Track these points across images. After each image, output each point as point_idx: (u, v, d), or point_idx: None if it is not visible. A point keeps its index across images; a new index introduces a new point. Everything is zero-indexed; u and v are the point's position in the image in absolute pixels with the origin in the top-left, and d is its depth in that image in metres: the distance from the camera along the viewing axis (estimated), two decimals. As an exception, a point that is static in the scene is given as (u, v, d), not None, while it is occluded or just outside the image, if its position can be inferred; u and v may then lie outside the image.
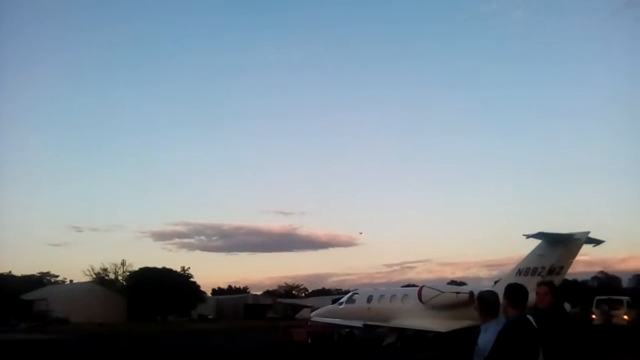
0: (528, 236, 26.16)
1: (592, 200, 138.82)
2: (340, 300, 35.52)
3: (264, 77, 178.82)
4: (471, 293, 26.18)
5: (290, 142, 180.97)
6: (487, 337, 6.24)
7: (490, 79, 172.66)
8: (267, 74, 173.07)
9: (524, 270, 27.23)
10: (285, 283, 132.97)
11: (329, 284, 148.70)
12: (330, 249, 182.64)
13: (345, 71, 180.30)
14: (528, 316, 9.67)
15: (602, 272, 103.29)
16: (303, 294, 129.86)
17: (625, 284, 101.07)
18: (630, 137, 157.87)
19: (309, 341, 34.97)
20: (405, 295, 31.53)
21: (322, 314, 35.37)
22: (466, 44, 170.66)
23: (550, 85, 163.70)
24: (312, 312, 40.40)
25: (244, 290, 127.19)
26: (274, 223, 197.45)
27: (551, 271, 26.48)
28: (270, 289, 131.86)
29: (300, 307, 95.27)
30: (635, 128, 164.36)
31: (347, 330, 34.45)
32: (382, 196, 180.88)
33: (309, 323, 37.99)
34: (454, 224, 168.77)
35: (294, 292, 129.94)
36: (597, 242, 27.73)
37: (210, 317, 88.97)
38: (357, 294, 34.92)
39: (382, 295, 32.91)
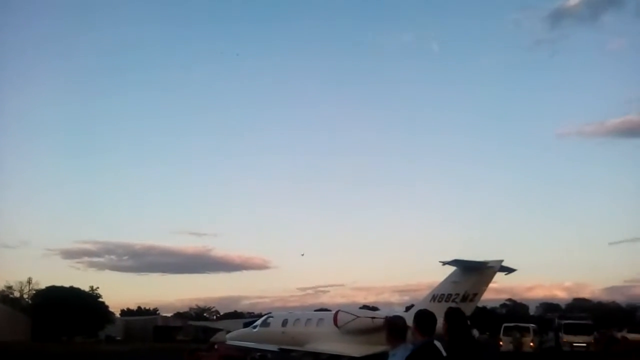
0: (444, 263, 26.59)
1: (502, 229, 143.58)
2: (255, 324, 34.93)
3: (174, 94, 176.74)
4: (386, 318, 26.21)
5: (206, 162, 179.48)
6: None
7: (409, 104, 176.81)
8: (174, 90, 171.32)
9: (438, 296, 27.59)
10: (197, 305, 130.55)
11: (241, 307, 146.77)
12: (244, 271, 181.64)
13: (256, 85, 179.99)
14: (435, 342, 9.83)
15: (510, 299, 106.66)
16: (215, 317, 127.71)
17: (532, 311, 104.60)
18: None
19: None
20: (320, 320, 31.29)
21: (235, 337, 34.66)
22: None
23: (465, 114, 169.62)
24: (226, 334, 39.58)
25: (154, 311, 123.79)
26: (186, 244, 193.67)
27: (465, 298, 26.93)
28: (181, 310, 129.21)
29: (211, 330, 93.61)
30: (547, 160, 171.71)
31: (259, 354, 34.04)
32: (297, 220, 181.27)
33: (215, 347, 37.36)
34: (367, 249, 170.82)
35: (205, 314, 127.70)
36: (509, 270, 28.44)
37: (118, 338, 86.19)
38: (271, 317, 34.42)
39: (297, 319, 32.56)
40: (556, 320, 55.64)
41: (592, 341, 46.94)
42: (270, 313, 35.85)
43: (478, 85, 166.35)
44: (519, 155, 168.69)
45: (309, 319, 32.02)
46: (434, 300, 27.26)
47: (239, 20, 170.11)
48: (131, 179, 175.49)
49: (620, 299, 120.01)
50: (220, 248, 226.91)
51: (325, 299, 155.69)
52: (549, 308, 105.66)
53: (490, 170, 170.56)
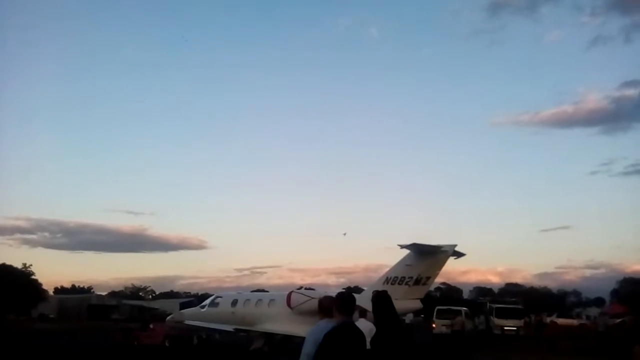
0: (402, 246, 26.88)
1: (438, 214, 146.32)
2: (203, 304, 34.59)
3: (116, 71, 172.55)
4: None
5: (145, 140, 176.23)
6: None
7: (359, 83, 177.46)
8: (116, 67, 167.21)
9: (391, 279, 27.90)
10: (132, 284, 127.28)
11: (177, 286, 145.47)
12: (181, 251, 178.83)
13: (196, 70, 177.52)
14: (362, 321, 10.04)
15: (444, 283, 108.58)
16: (150, 296, 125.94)
17: (465, 295, 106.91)
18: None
19: (167, 344, 33.86)
20: (272, 300, 31.24)
21: (183, 316, 34.21)
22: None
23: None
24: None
25: (89, 290, 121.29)
26: (123, 222, 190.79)
27: (418, 281, 27.35)
28: (116, 289, 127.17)
29: (146, 309, 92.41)
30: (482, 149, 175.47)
31: (205, 333, 33.77)
32: (234, 200, 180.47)
33: (151, 326, 36.75)
34: (304, 231, 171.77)
35: (140, 294, 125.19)
36: (459, 254, 28.90)
37: (51, 316, 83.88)
38: (220, 297, 34.18)
39: (247, 300, 32.45)
40: (488, 304, 56.77)
41: (522, 325, 48.21)
42: (219, 293, 35.50)
43: (416, 73, 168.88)
44: (455, 143, 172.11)
45: (259, 300, 31.93)
46: (387, 283, 27.55)
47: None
48: (67, 155, 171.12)
49: (551, 284, 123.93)
50: (157, 227, 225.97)
51: (262, 280, 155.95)
52: (482, 292, 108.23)
53: (426, 157, 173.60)
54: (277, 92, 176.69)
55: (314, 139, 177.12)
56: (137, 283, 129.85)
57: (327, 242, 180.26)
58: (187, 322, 31.52)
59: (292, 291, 29.12)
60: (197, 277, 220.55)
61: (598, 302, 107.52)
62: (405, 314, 30.86)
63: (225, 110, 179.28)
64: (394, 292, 26.59)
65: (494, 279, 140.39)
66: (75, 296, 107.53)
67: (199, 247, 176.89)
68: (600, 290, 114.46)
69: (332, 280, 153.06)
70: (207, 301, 34.67)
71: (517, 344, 38.27)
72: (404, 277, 27.50)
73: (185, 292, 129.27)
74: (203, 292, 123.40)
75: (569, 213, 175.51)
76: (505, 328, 46.39)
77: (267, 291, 56.31)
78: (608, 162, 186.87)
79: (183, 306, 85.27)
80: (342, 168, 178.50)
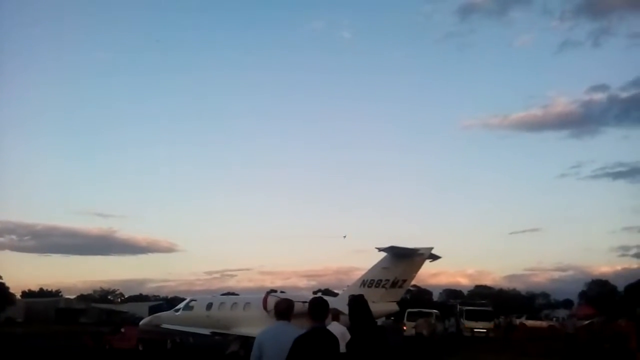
0: (379, 249, 26.97)
1: (408, 216, 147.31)
2: (177, 307, 34.17)
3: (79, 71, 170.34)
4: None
5: (114, 143, 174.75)
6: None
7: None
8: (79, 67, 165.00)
9: (368, 281, 27.92)
10: (101, 287, 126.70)
11: (146, 289, 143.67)
12: (150, 254, 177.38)
13: (166, 69, 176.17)
14: (335, 325, 10.08)
15: (414, 285, 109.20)
16: (119, 299, 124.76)
17: (435, 297, 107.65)
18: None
19: (140, 348, 33.48)
20: (247, 304, 31.02)
21: (156, 320, 33.77)
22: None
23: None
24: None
25: (56, 293, 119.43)
26: (91, 225, 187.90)
27: (394, 284, 27.43)
28: (85, 293, 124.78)
29: (115, 313, 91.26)
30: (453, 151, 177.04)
31: (179, 337, 33.48)
32: (204, 203, 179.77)
33: (122, 330, 36.28)
34: (274, 234, 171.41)
35: (109, 297, 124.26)
36: (435, 257, 29.03)
37: (19, 320, 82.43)
38: (194, 300, 33.79)
39: (222, 303, 32.16)
40: (458, 307, 57.16)
41: (492, 327, 48.72)
42: (193, 297, 35.12)
43: (387, 76, 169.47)
44: (425, 146, 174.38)
45: (234, 303, 31.68)
46: (364, 286, 27.58)
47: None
48: (34, 157, 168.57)
49: (520, 286, 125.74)
50: (126, 230, 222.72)
51: (232, 283, 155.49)
52: (452, 294, 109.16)
53: (396, 159, 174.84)
54: (248, 95, 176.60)
55: (285, 141, 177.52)
56: (106, 286, 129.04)
57: (297, 245, 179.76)
58: (164, 326, 31.10)
59: (268, 294, 28.97)
60: (167, 280, 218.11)
61: (566, 304, 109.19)
62: (382, 316, 30.91)
63: (195, 113, 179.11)
64: (371, 294, 26.64)
65: (464, 281, 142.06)
66: (43, 300, 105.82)
67: (168, 250, 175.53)
68: (569, 292, 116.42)
69: (303, 283, 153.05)
70: (182, 305, 34.29)
71: (487, 346, 38.50)
72: (380, 280, 27.55)
73: (154, 295, 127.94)
74: (173, 295, 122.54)
75: (538, 216, 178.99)
76: (475, 330, 46.88)
77: (237, 294, 55.89)
78: (576, 166, 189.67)
79: (152, 309, 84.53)
80: (313, 171, 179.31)
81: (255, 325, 28.85)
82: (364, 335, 7.23)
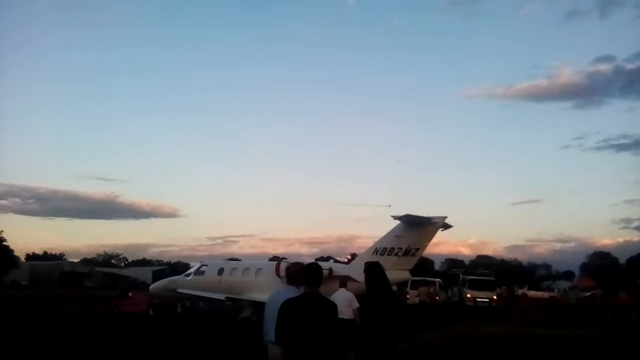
0: (395, 217, 27.04)
1: (410, 185, 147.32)
2: (188, 272, 34.41)
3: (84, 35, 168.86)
4: (330, 270, 26.38)
5: (117, 107, 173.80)
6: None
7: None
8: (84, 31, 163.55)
9: (380, 249, 28.09)
10: (104, 252, 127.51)
11: (149, 254, 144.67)
12: (153, 219, 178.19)
13: (169, 38, 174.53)
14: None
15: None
16: (122, 264, 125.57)
17: (437, 266, 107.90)
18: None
19: (151, 312, 33.64)
20: (259, 269, 31.23)
21: (167, 285, 33.95)
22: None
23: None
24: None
25: (60, 257, 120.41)
26: (94, 189, 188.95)
27: (407, 252, 27.60)
28: (88, 257, 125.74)
29: (119, 277, 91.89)
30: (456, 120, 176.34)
31: (189, 302, 33.64)
32: (207, 169, 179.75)
33: (130, 294, 36.36)
34: (277, 200, 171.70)
35: (113, 261, 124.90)
36: (447, 226, 29.12)
37: (23, 283, 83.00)
38: (206, 265, 34.02)
39: (234, 268, 32.38)
40: (461, 276, 57.37)
41: (494, 297, 48.93)
42: (204, 262, 35.28)
43: (391, 43, 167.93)
44: (428, 115, 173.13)
45: (246, 268, 31.89)
46: (376, 254, 27.76)
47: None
48: (37, 120, 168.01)
49: (521, 257, 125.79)
50: (129, 194, 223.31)
51: (234, 249, 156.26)
52: (454, 264, 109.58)
53: (399, 128, 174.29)
54: (253, 65, 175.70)
55: (287, 109, 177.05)
56: (109, 250, 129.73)
57: (300, 212, 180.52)
58: (179, 290, 31.23)
59: (282, 259, 29.15)
60: (170, 245, 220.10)
61: (568, 275, 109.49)
62: (394, 284, 31.07)
63: (198, 81, 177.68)
64: (383, 262, 26.46)
65: (465, 251, 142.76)
66: (47, 263, 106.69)
67: (171, 215, 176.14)
68: (570, 263, 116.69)
69: (305, 250, 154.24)
70: (192, 269, 34.51)
71: (490, 316, 38.68)
72: (393, 248, 27.73)
73: (157, 260, 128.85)
74: (176, 260, 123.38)
75: (540, 187, 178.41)
76: (478, 300, 47.11)
77: (240, 260, 56.27)
78: (580, 137, 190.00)
79: (156, 274, 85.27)
80: (316, 140, 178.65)
81: (268, 291, 29.04)
82: (379, 302, 7.15)
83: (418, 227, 27.66)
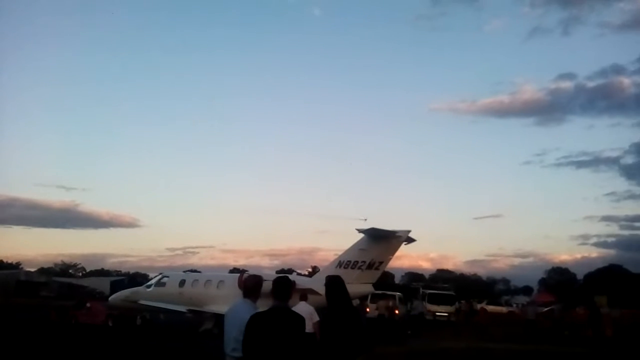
0: (360, 230, 27.12)
1: (372, 198, 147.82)
2: (148, 283, 33.96)
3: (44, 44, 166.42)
4: (293, 282, 26.21)
5: (78, 114, 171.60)
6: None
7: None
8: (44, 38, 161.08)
9: (344, 262, 28.10)
10: (62, 261, 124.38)
11: (108, 264, 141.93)
12: (112, 228, 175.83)
13: (130, 42, 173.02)
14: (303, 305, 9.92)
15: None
16: (80, 274, 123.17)
17: (398, 280, 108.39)
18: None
19: (110, 324, 33.05)
20: (221, 282, 30.95)
21: (127, 296, 33.42)
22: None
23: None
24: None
25: (17, 266, 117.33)
26: (53, 197, 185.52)
27: (371, 265, 27.63)
28: (45, 266, 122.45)
29: (76, 287, 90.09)
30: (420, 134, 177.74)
31: (149, 314, 33.18)
32: (168, 179, 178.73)
33: (88, 304, 35.64)
34: (238, 212, 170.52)
35: (70, 271, 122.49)
36: (411, 240, 29.25)
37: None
38: (167, 277, 33.61)
39: (195, 280, 32.05)
40: (421, 290, 57.64)
41: (454, 311, 49.26)
42: (165, 273, 34.86)
43: (357, 55, 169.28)
44: (392, 127, 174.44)
45: (208, 280, 31.57)
46: (340, 267, 27.74)
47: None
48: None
49: (480, 271, 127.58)
50: (89, 204, 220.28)
51: (194, 260, 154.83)
52: (414, 277, 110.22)
53: (363, 140, 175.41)
54: (216, 72, 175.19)
55: (250, 118, 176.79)
56: (67, 260, 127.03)
57: (261, 224, 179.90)
58: (140, 301, 30.73)
59: (244, 271, 28.97)
60: (129, 256, 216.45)
61: (526, 290, 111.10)
62: (357, 298, 31.08)
63: (160, 89, 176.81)
64: (347, 275, 26.70)
65: (426, 265, 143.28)
66: (3, 272, 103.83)
67: (131, 225, 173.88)
68: (529, 279, 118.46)
69: (265, 262, 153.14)
70: (153, 281, 34.11)
71: (448, 330, 38.85)
72: (357, 262, 27.77)
73: (116, 270, 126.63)
74: (134, 270, 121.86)
75: (501, 202, 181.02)
76: (437, 314, 47.20)
77: (200, 272, 55.76)
78: (541, 153, 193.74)
79: (114, 284, 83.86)
80: (279, 150, 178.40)
81: (230, 303, 28.78)
82: (338, 316, 7.17)
83: (382, 240, 27.75)
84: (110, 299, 36.14)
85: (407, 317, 45.68)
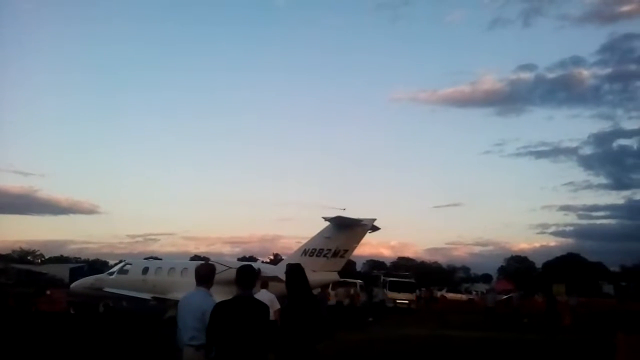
0: (326, 219, 27.26)
1: (333, 187, 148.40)
2: (111, 271, 33.68)
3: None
4: (259, 270, 26.22)
5: (36, 98, 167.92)
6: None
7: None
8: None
9: (309, 251, 28.25)
10: (20, 248, 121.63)
11: (67, 251, 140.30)
12: (71, 215, 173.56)
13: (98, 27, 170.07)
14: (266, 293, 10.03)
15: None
16: (39, 260, 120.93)
17: (359, 267, 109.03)
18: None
19: (72, 311, 32.67)
20: (185, 269, 30.77)
21: (89, 284, 33.05)
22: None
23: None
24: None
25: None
26: (10, 183, 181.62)
27: (336, 253, 27.83)
28: (3, 252, 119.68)
29: (35, 274, 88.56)
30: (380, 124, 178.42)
31: (111, 301, 32.90)
32: (128, 165, 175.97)
33: (48, 292, 35.19)
34: (200, 199, 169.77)
35: (29, 257, 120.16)
36: (376, 228, 29.51)
37: None
38: (129, 264, 33.32)
39: (159, 268, 31.83)
40: (382, 278, 58.17)
41: (414, 299, 49.93)
42: (128, 260, 34.53)
43: (320, 44, 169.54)
44: (354, 116, 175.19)
45: (172, 268, 31.40)
46: (305, 255, 27.89)
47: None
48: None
49: (441, 259, 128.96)
50: (47, 190, 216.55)
51: (155, 247, 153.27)
52: (375, 265, 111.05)
53: (324, 130, 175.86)
54: (181, 62, 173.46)
55: (215, 108, 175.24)
56: (25, 247, 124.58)
57: (222, 211, 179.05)
58: (103, 289, 30.39)
59: (209, 260, 28.85)
60: (88, 243, 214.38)
61: (485, 278, 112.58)
62: (322, 286, 31.20)
63: (120, 77, 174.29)
64: (312, 263, 26.99)
65: (387, 253, 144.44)
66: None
67: (90, 211, 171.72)
68: (488, 267, 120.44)
69: (227, 249, 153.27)
70: (116, 268, 33.80)
71: (409, 317, 39.28)
72: (322, 249, 27.93)
73: (75, 257, 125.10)
74: (94, 257, 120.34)
75: (461, 191, 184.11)
76: (398, 301, 47.68)
77: (161, 259, 55.41)
78: (500, 143, 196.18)
79: (73, 272, 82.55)
80: (243, 139, 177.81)
81: (193, 290, 28.77)
82: (298, 305, 7.21)
83: (347, 228, 27.95)
84: (72, 286, 35.65)
85: (369, 305, 46.11)
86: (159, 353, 16.87)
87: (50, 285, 45.79)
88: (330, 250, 27.81)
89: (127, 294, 30.23)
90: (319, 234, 28.54)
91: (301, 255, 28.03)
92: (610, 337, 15.37)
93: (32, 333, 22.13)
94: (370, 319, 29.26)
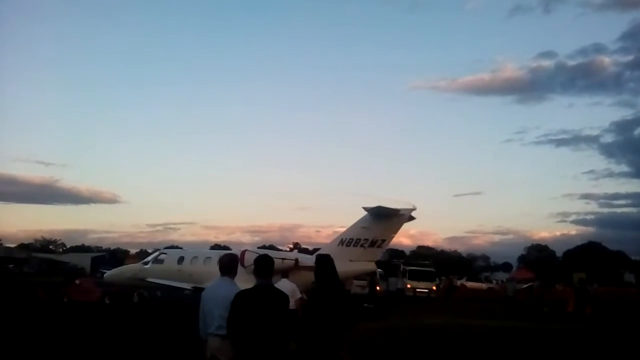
0: (366, 209, 27.25)
1: (353, 177, 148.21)
2: (146, 260, 33.81)
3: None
4: (297, 260, 26.39)
5: (59, 88, 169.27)
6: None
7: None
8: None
9: (346, 240, 28.23)
10: (42, 237, 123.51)
11: (88, 240, 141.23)
12: (92, 204, 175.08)
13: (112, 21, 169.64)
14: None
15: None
16: (61, 250, 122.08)
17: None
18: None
19: (107, 301, 32.87)
20: (220, 259, 30.89)
21: (123, 273, 33.37)
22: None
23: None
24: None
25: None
26: (32, 173, 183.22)
27: (373, 243, 27.80)
28: (25, 242, 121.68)
29: (57, 263, 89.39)
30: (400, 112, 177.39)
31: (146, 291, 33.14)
32: (149, 155, 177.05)
33: (77, 281, 35.32)
34: (220, 188, 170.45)
35: (51, 247, 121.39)
36: (412, 218, 29.51)
37: (-43, 268, 79.78)
38: (164, 254, 33.61)
39: (194, 257, 31.96)
40: (402, 266, 58.30)
41: (434, 288, 50.08)
42: (163, 250, 34.80)
43: (340, 33, 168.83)
44: (373, 105, 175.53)
45: (208, 257, 31.47)
46: (342, 244, 27.90)
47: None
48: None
49: (461, 248, 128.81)
50: (68, 179, 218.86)
51: (175, 237, 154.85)
52: (395, 254, 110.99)
53: (343, 119, 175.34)
54: (191, 52, 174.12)
55: (236, 97, 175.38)
56: (47, 236, 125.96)
57: (242, 200, 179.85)
58: (142, 278, 30.54)
59: (245, 249, 28.92)
60: (109, 232, 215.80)
61: (505, 267, 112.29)
62: (359, 275, 31.25)
63: (139, 67, 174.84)
64: (349, 253, 27.08)
65: (406, 241, 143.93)
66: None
67: (111, 201, 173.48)
68: (508, 255, 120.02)
69: (246, 238, 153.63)
70: (150, 257, 33.99)
71: (429, 306, 39.27)
72: (359, 239, 27.91)
73: (96, 246, 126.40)
74: (115, 246, 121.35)
75: (481, 179, 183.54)
76: (417, 290, 47.81)
77: (181, 247, 55.81)
78: (521, 131, 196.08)
79: (95, 260, 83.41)
80: (261, 129, 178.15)
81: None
82: (325, 294, 7.22)
83: (385, 218, 27.94)
84: (105, 275, 35.95)
85: (385, 293, 46.07)
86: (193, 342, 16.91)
87: (79, 275, 46.00)
88: (367, 240, 27.77)
89: (164, 284, 30.40)
90: (356, 223, 28.49)
91: (338, 245, 28.00)
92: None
93: (73, 324, 22.13)
94: (366, 305, 29.04)
